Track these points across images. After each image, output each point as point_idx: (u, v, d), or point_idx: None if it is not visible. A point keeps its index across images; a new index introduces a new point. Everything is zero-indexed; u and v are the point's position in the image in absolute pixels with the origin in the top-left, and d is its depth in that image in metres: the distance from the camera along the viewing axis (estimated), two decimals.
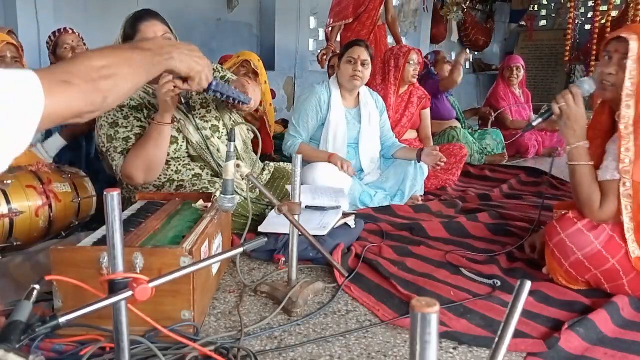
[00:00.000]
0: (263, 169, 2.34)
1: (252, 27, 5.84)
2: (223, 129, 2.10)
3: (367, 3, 4.08)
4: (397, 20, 4.37)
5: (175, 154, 2.01)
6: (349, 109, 2.70)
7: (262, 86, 3.26)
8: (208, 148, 2.03)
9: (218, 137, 2.08)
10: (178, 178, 2.02)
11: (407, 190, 2.64)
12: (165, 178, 2.02)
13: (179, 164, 2.03)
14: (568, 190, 3.05)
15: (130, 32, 1.87)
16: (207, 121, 2.06)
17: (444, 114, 4.25)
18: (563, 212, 1.65)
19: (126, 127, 1.92)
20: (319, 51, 4.43)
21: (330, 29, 4.23)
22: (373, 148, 2.73)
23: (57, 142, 2.29)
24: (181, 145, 2.02)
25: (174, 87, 1.72)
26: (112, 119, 1.92)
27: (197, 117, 2.04)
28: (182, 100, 1.92)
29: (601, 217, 1.58)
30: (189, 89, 1.60)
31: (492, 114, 4.38)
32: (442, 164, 2.61)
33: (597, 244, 1.55)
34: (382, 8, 4.16)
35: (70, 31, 2.80)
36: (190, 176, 2.04)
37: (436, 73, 4.50)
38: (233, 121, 2.16)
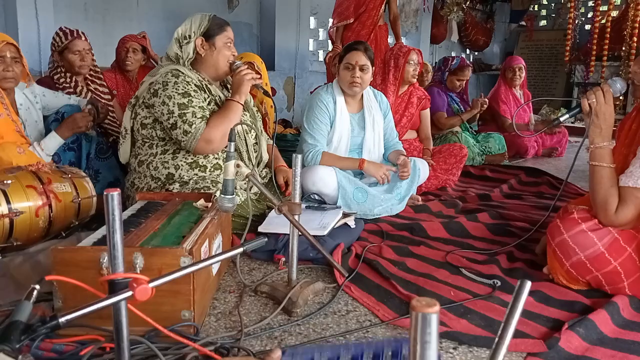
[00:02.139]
0: (263, 167, 2.36)
1: (252, 27, 5.84)
2: (254, 132, 2.29)
3: (368, 3, 4.07)
4: (399, 19, 4.33)
5: None
6: (352, 114, 2.68)
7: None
8: (244, 139, 2.23)
9: (249, 134, 2.27)
10: (202, 163, 2.11)
11: (402, 190, 2.61)
12: (191, 159, 2.10)
13: None
14: (569, 190, 3.05)
15: (218, 31, 2.11)
16: (244, 121, 2.24)
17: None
18: (572, 209, 1.63)
19: (198, 98, 2.05)
20: (319, 53, 4.42)
21: (334, 29, 4.23)
22: (376, 154, 2.72)
23: (54, 141, 2.28)
24: None
25: (252, 77, 2.08)
26: (182, 89, 2.02)
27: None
28: (261, 89, 2.14)
29: (615, 222, 1.55)
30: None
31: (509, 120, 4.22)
32: (405, 174, 2.58)
33: (600, 246, 1.54)
34: (382, 8, 4.15)
35: (83, 37, 2.76)
36: (212, 164, 2.13)
37: (445, 78, 4.23)
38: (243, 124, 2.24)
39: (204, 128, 1.99)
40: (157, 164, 2.09)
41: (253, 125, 2.29)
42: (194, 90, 2.05)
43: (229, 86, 2.29)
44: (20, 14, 3.71)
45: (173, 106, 1.99)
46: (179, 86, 2.02)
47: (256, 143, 2.29)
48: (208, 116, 2.04)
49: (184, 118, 1.99)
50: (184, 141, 2.01)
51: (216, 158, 2.14)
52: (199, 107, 2.02)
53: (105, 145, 2.52)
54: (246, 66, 2.13)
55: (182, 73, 2.06)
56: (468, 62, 4.33)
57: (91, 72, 2.92)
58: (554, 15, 9.39)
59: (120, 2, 4.63)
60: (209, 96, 2.12)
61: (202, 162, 2.11)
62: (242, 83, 2.08)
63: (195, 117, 1.99)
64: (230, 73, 2.16)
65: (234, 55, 2.15)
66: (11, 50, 2.21)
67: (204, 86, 2.11)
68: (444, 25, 8.18)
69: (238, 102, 2.07)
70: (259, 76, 2.13)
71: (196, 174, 2.09)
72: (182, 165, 2.09)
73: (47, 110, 2.49)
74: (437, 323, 0.51)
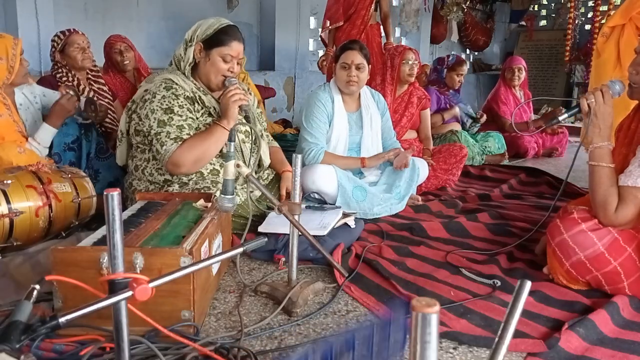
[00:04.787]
0: (265, 169, 2.35)
1: (252, 27, 5.84)
2: (254, 136, 2.23)
3: (357, 4, 4.09)
4: (390, 17, 4.31)
5: None
6: (350, 113, 2.68)
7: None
8: (240, 150, 2.17)
9: (246, 144, 2.22)
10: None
11: (402, 189, 2.61)
12: None
13: None
14: (569, 190, 3.05)
15: (219, 43, 2.01)
16: (243, 125, 2.18)
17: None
18: (572, 209, 1.63)
19: (180, 116, 1.98)
20: (319, 53, 4.43)
21: (326, 31, 4.26)
22: (374, 152, 2.72)
23: (47, 132, 2.27)
24: None
25: (240, 98, 1.97)
26: (166, 105, 1.96)
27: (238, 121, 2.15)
28: (244, 112, 2.01)
29: (614, 222, 1.55)
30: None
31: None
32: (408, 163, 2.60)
33: (599, 246, 1.54)
34: (373, 7, 4.16)
35: (80, 32, 2.86)
36: (209, 170, 2.08)
37: (444, 76, 4.28)
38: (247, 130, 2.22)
39: (173, 151, 1.92)
40: (151, 170, 2.07)
41: (253, 129, 2.24)
42: (180, 106, 1.98)
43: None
44: (20, 14, 3.71)
45: (153, 122, 1.95)
46: (164, 100, 1.96)
47: (256, 146, 2.27)
48: (185, 137, 1.94)
49: (158, 137, 1.94)
50: (158, 159, 1.99)
51: (212, 163, 2.08)
52: (177, 126, 1.94)
53: (105, 145, 2.52)
54: (236, 85, 2.02)
55: (176, 84, 2.00)
56: (463, 58, 4.37)
57: (93, 73, 2.94)
58: (554, 15, 9.39)
59: (120, 2, 4.63)
60: (202, 107, 2.06)
61: None
62: (228, 106, 1.98)
63: (169, 137, 1.93)
64: (222, 88, 2.07)
65: (231, 71, 2.05)
66: None
67: (197, 98, 2.05)
68: (444, 25, 8.17)
69: (225, 128, 1.97)
70: (246, 98, 2.02)
71: (194, 175, 2.08)
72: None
73: (47, 110, 2.48)
74: (437, 323, 0.51)
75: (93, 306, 0.84)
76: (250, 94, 2.36)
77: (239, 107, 1.99)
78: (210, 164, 2.09)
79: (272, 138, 2.53)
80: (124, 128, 2.14)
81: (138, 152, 2.10)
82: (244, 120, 2.07)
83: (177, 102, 1.98)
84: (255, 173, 2.23)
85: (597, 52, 2.89)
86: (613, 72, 2.69)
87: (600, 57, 2.79)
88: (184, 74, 2.07)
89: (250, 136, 2.22)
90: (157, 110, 1.95)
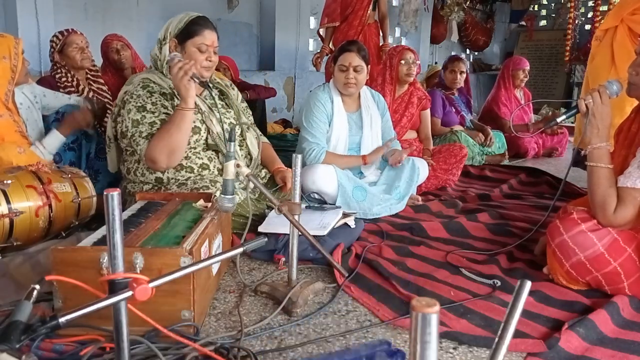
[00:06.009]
0: (258, 164, 2.34)
1: (252, 27, 5.84)
2: (238, 128, 2.21)
3: (354, 4, 4.09)
4: (387, 18, 4.31)
5: (194, 144, 2.07)
6: (350, 113, 2.68)
7: None
8: (224, 141, 2.13)
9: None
10: (186, 164, 2.05)
11: (401, 189, 2.61)
12: None
13: (190, 152, 2.07)
14: (568, 190, 3.05)
15: (191, 34, 2.00)
16: (227, 118, 2.17)
17: (446, 124, 4.12)
18: (571, 210, 1.63)
19: (153, 113, 1.97)
20: (314, 54, 4.44)
21: (323, 29, 4.26)
22: None
23: (56, 139, 2.28)
24: (202, 136, 2.08)
25: (185, 70, 1.83)
26: (140, 103, 1.96)
27: (219, 112, 2.12)
28: (196, 80, 1.89)
29: (613, 223, 1.55)
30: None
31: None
32: (404, 157, 2.62)
33: (599, 246, 1.54)
34: (370, 8, 4.16)
35: (78, 32, 2.86)
36: (198, 165, 2.08)
37: (444, 77, 4.25)
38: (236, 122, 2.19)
39: (146, 148, 1.91)
40: (142, 170, 2.07)
41: (237, 122, 2.19)
42: (153, 103, 1.97)
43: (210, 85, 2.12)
44: (20, 14, 3.71)
45: (129, 122, 1.96)
46: (139, 99, 1.96)
47: (243, 139, 2.25)
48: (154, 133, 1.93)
49: (134, 137, 1.95)
50: (140, 159, 2.00)
51: (200, 158, 2.08)
52: (149, 123, 1.95)
53: (105, 145, 2.52)
54: (177, 60, 1.87)
55: (152, 82, 2.00)
56: (458, 56, 4.34)
57: (92, 73, 2.94)
58: (554, 15, 9.40)
59: (120, 2, 4.63)
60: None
61: (186, 164, 2.05)
62: (178, 86, 1.85)
63: (141, 136, 1.94)
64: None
65: (209, 61, 2.02)
66: None
67: (176, 93, 1.98)
68: (444, 25, 8.18)
69: (184, 109, 1.87)
70: (190, 65, 1.84)
71: (187, 175, 2.07)
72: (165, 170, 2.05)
73: (47, 110, 2.49)
74: (437, 323, 0.51)
75: (93, 306, 0.84)
76: (233, 89, 2.34)
77: (191, 78, 1.84)
78: (199, 158, 2.08)
79: (260, 133, 2.50)
80: (110, 133, 2.13)
81: (127, 155, 2.10)
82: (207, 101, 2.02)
83: (151, 100, 1.98)
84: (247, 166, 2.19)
85: (591, 56, 2.90)
86: (608, 74, 2.70)
87: (594, 60, 2.80)
88: (162, 72, 2.07)
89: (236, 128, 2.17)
90: (132, 110, 1.96)
